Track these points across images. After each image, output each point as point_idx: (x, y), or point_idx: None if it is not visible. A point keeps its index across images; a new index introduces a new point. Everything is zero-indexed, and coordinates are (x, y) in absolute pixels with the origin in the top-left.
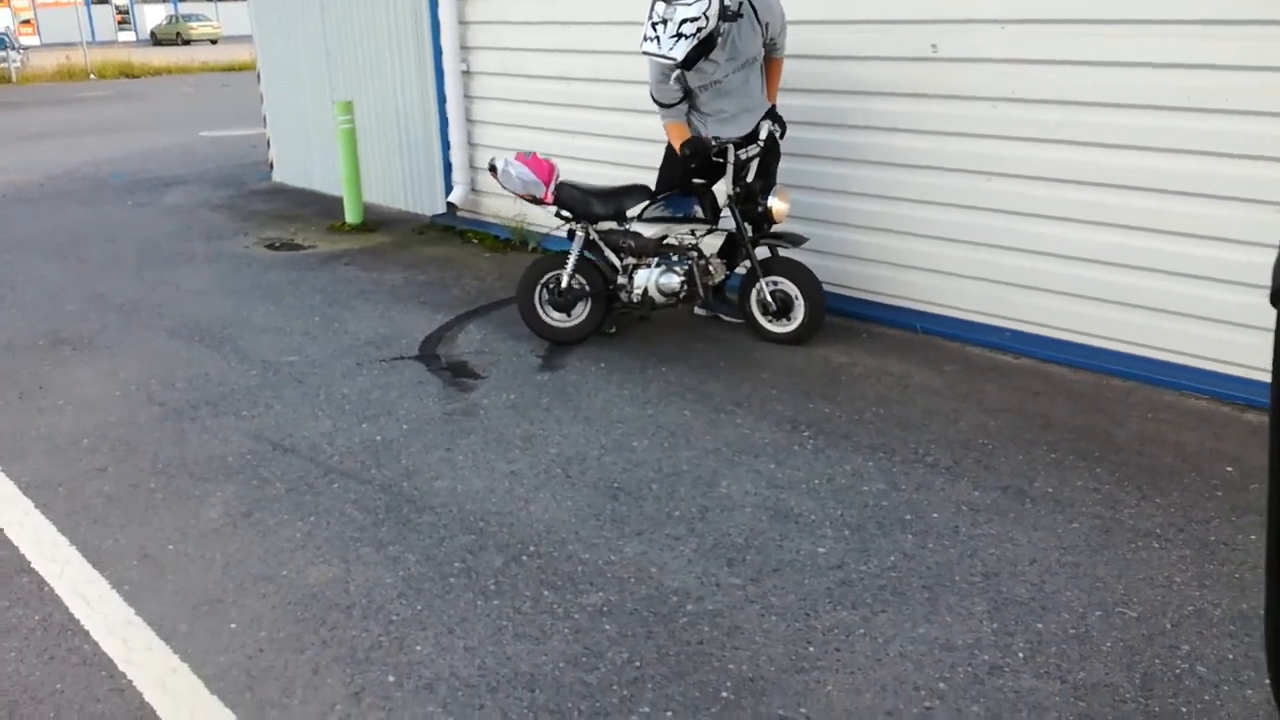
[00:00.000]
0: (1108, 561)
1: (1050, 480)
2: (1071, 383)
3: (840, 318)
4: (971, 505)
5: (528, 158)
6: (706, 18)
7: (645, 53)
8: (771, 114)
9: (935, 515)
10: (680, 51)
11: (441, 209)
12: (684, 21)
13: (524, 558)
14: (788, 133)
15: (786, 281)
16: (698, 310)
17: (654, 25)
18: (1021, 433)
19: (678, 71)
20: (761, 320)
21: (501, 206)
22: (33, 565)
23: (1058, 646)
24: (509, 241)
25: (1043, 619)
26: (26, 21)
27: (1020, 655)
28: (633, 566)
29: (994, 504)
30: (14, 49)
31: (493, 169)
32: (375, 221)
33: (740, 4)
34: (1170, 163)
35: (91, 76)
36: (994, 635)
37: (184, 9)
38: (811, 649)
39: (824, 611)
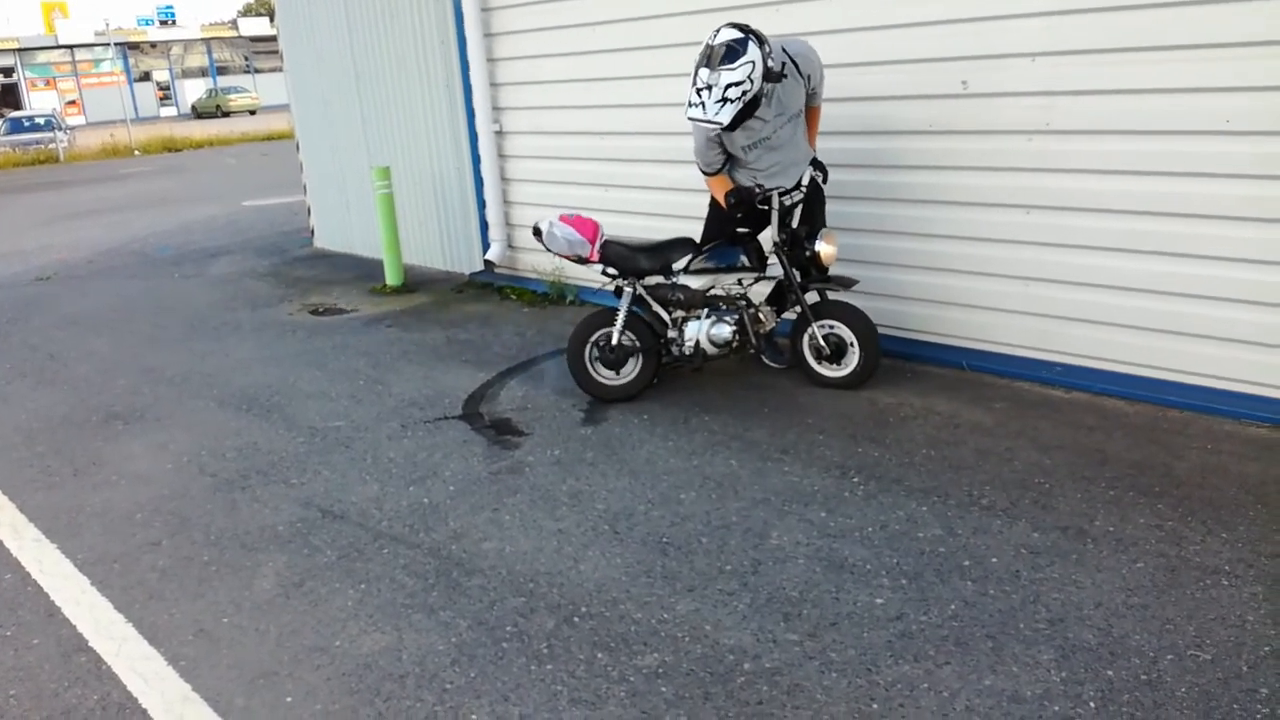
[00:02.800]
0: (1176, 602)
1: (1111, 519)
2: (1127, 416)
3: (885, 358)
4: (1031, 548)
5: (571, 218)
6: (751, 80)
7: (690, 119)
8: (813, 161)
9: (994, 560)
10: (726, 116)
11: (479, 267)
12: (729, 86)
13: (576, 619)
14: (829, 177)
15: (841, 325)
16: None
17: (698, 91)
18: (1078, 470)
19: (721, 135)
20: (814, 365)
21: (539, 261)
22: (90, 644)
23: (1130, 694)
24: (547, 296)
25: (1112, 666)
26: (72, 102)
27: (1092, 705)
28: (686, 625)
29: (1054, 546)
30: (61, 129)
31: (537, 232)
32: (415, 282)
33: (784, 64)
34: (1215, 187)
35: (136, 152)
36: (1063, 685)
37: (223, 82)
38: (875, 706)
39: (886, 666)
